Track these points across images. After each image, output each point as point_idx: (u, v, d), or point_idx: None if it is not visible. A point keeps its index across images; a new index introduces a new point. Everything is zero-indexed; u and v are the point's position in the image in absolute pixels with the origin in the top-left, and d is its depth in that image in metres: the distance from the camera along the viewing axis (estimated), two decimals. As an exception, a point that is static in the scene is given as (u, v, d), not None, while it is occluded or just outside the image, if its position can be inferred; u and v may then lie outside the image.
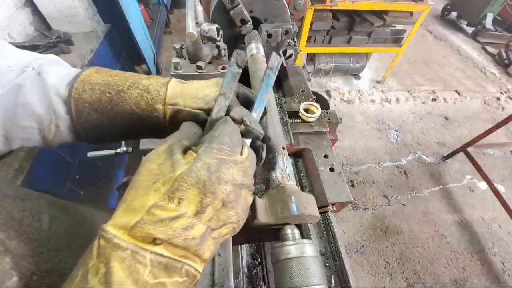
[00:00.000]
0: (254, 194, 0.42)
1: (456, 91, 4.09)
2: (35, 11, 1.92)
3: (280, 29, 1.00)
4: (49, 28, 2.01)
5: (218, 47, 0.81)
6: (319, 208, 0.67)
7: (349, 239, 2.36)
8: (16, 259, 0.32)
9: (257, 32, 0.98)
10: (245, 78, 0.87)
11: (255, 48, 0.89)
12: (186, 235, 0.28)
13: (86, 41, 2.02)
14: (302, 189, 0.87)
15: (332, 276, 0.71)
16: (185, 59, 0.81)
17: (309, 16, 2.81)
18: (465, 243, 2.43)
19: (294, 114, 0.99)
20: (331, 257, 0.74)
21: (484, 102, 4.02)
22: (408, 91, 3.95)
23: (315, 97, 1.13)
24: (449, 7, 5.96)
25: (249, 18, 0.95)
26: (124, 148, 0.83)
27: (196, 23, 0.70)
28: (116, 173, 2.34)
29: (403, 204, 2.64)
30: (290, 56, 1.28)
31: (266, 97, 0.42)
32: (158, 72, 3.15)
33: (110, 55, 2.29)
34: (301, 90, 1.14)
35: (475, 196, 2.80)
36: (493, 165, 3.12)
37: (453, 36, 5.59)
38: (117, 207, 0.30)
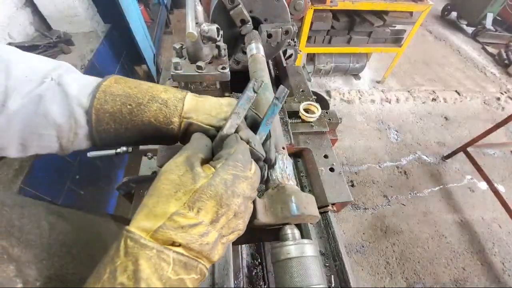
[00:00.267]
0: (254, 194, 0.43)
1: (456, 91, 4.09)
2: (35, 11, 1.92)
3: (280, 29, 1.00)
4: (49, 28, 2.01)
5: (218, 47, 0.81)
6: (319, 208, 0.67)
7: (349, 239, 2.36)
8: (19, 266, 0.33)
9: (257, 32, 0.98)
10: (245, 78, 0.87)
11: (255, 48, 0.89)
12: (202, 240, 0.32)
13: (86, 41, 2.02)
14: (302, 189, 0.87)
15: (332, 276, 0.71)
16: (185, 59, 0.81)
17: (309, 16, 2.81)
18: (465, 243, 2.43)
19: (294, 114, 0.99)
20: (331, 257, 0.74)
21: (484, 102, 4.02)
22: (408, 91, 3.95)
23: (315, 97, 1.13)
24: (449, 7, 5.96)
25: (249, 18, 0.95)
26: (124, 148, 0.83)
27: (196, 23, 0.70)
28: (116, 173, 2.34)
29: (403, 204, 2.64)
30: (290, 56, 1.28)
31: (271, 122, 0.46)
32: (158, 72, 3.15)
33: (110, 55, 2.29)
34: (301, 90, 1.14)
35: (475, 196, 2.80)
36: (493, 165, 3.12)
37: (453, 36, 5.59)
38: (137, 211, 0.33)
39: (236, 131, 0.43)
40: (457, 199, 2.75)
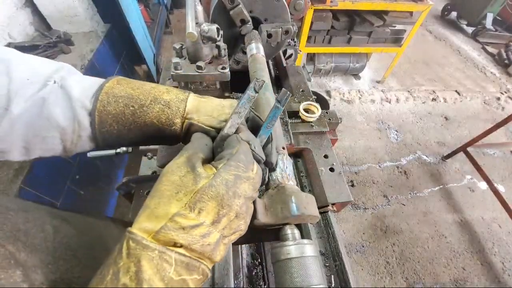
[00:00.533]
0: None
1: (456, 91, 4.09)
2: (35, 11, 1.92)
3: (280, 29, 1.00)
4: (49, 28, 2.01)
5: (218, 47, 0.81)
6: (319, 208, 0.67)
7: (349, 239, 2.36)
8: (26, 271, 0.33)
9: (257, 32, 0.98)
10: (245, 78, 0.87)
11: (255, 48, 0.89)
12: (203, 241, 0.32)
13: (86, 41, 2.02)
14: (302, 189, 0.87)
15: (332, 276, 0.71)
16: (185, 59, 0.81)
17: (309, 16, 2.81)
18: (465, 243, 2.43)
19: (294, 114, 0.99)
20: (331, 257, 0.74)
21: (484, 102, 4.02)
22: (408, 91, 3.95)
23: (315, 97, 1.13)
24: (449, 7, 5.96)
25: (249, 18, 0.95)
26: (124, 148, 0.83)
27: (196, 23, 0.70)
28: (116, 173, 2.34)
29: (403, 204, 2.64)
30: (290, 56, 1.28)
31: (272, 126, 0.46)
32: (158, 72, 3.15)
33: (110, 55, 2.29)
34: (301, 90, 1.14)
35: (475, 196, 2.80)
36: (493, 165, 3.12)
37: (453, 36, 5.59)
38: (139, 212, 0.33)
39: (237, 132, 0.43)
40: (457, 199, 2.75)
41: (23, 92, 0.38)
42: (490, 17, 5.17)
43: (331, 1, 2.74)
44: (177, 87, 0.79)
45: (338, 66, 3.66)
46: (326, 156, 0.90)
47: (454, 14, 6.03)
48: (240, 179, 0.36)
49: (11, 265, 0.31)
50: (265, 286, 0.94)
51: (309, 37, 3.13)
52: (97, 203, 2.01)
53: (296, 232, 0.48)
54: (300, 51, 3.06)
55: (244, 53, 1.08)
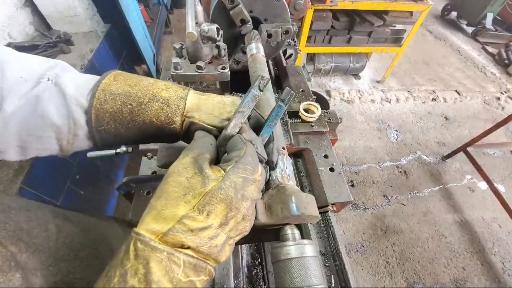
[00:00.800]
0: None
1: (456, 91, 4.09)
2: (35, 11, 1.92)
3: (280, 29, 1.00)
4: (49, 28, 2.01)
5: (218, 47, 0.81)
6: (319, 208, 0.67)
7: (349, 239, 2.36)
8: (25, 274, 0.32)
9: (257, 32, 0.98)
10: (245, 78, 0.87)
11: (255, 48, 0.89)
12: (211, 243, 0.32)
13: (86, 41, 2.02)
14: (302, 189, 0.87)
15: (332, 276, 0.71)
16: (185, 59, 0.81)
17: (309, 16, 2.81)
18: (465, 243, 2.43)
19: (294, 114, 0.99)
20: (331, 257, 0.74)
21: (484, 102, 4.02)
22: (408, 91, 3.94)
23: (315, 97, 1.13)
24: (449, 7, 5.96)
25: (249, 18, 0.95)
26: (124, 148, 0.83)
27: (196, 23, 0.70)
28: (116, 173, 2.34)
29: (403, 204, 2.64)
30: (290, 56, 1.28)
31: (274, 124, 0.46)
32: (158, 72, 3.15)
33: (110, 55, 2.29)
34: (301, 90, 1.14)
35: (475, 196, 2.80)
36: (493, 165, 3.12)
37: (453, 36, 5.59)
38: (144, 212, 0.33)
39: (239, 132, 0.42)
40: (457, 199, 2.75)
41: (16, 90, 0.38)
42: (490, 17, 5.17)
43: (331, 1, 2.73)
44: (177, 87, 0.79)
45: (338, 66, 3.66)
46: (326, 156, 0.90)
47: (454, 14, 6.02)
48: (247, 181, 0.36)
49: (11, 267, 0.31)
50: (265, 286, 0.94)
51: (309, 37, 3.13)
52: (97, 203, 2.01)
53: (296, 232, 0.48)
54: (300, 51, 3.06)
55: (244, 53, 1.08)
